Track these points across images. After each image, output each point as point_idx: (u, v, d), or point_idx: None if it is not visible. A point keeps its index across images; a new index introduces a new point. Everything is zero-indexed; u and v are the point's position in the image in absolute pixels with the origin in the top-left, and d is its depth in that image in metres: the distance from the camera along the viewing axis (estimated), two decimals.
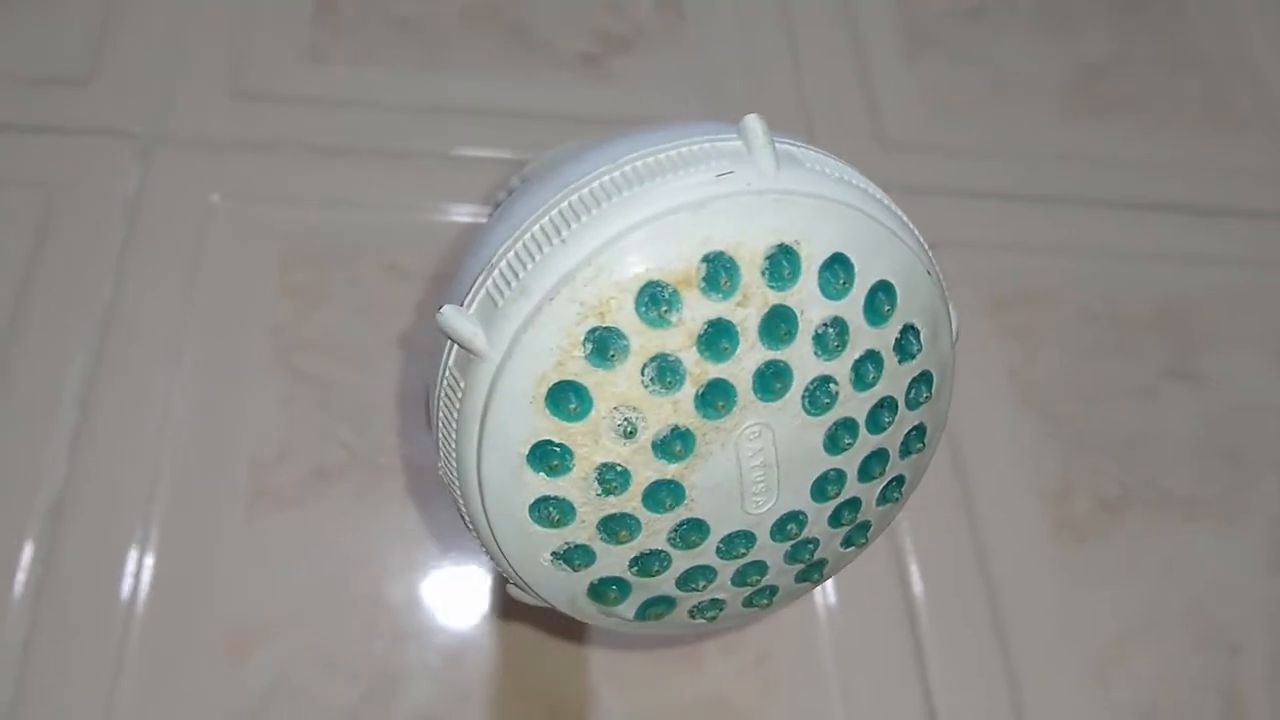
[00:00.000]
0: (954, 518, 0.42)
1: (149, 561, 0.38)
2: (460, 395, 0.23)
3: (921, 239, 0.25)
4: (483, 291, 0.23)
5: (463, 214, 0.47)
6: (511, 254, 0.22)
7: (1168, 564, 0.43)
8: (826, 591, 0.41)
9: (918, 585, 0.41)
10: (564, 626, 0.40)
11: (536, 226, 0.22)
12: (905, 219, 0.24)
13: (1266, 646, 0.41)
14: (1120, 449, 0.45)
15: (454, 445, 0.23)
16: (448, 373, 0.23)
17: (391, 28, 0.51)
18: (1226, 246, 0.51)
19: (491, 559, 0.25)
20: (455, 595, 0.40)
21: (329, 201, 0.46)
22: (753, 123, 0.23)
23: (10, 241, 0.43)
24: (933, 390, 0.25)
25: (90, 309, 0.42)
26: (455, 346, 0.23)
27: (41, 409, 0.40)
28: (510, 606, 0.40)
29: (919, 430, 0.25)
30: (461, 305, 0.23)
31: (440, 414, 0.24)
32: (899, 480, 0.26)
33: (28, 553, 0.38)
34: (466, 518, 0.24)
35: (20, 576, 0.37)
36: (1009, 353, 0.46)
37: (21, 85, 0.46)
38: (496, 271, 0.22)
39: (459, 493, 0.24)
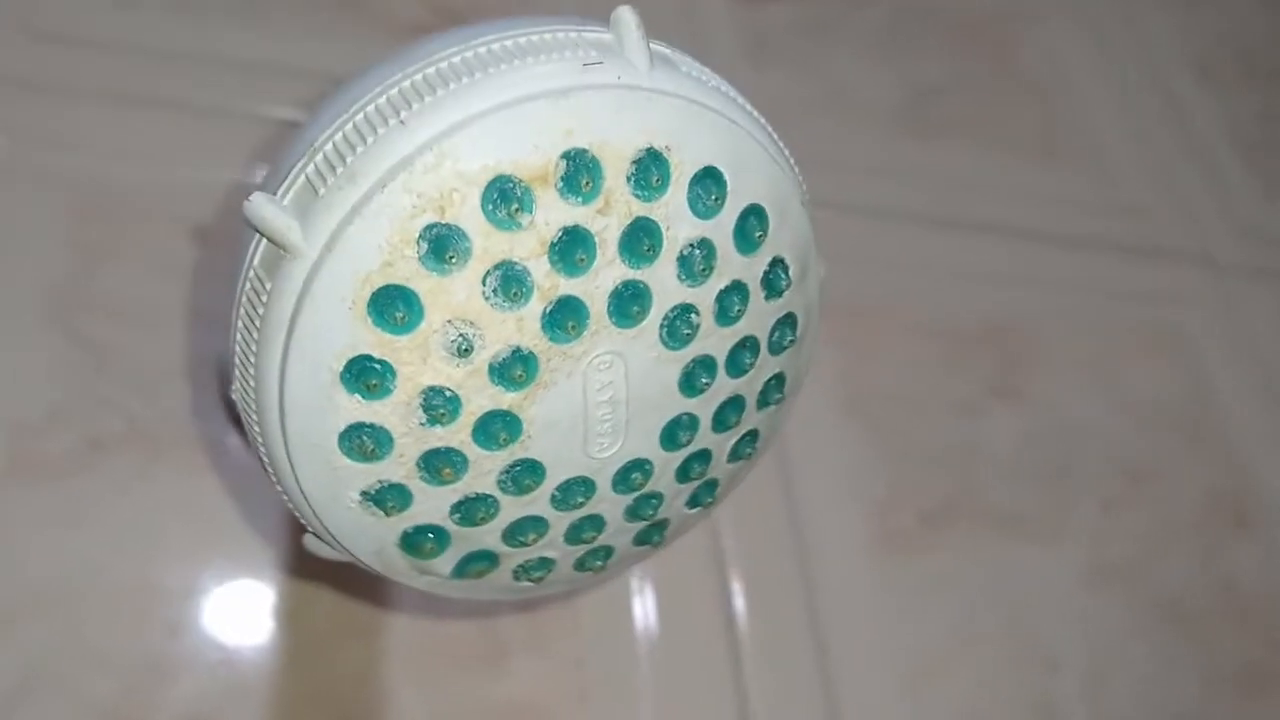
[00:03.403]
0: (777, 528, 0.41)
1: None
2: (265, 300, 0.19)
3: (797, 170, 0.22)
4: (301, 178, 0.19)
5: None
6: (339, 136, 0.19)
7: (988, 579, 0.42)
8: (645, 599, 0.38)
9: (739, 597, 0.39)
10: (360, 619, 0.36)
11: (371, 106, 0.19)
12: (781, 145, 0.22)
13: (1083, 663, 0.41)
14: (943, 463, 0.44)
15: (253, 360, 0.20)
16: (252, 273, 0.20)
17: None
18: (1049, 271, 0.51)
19: (289, 501, 0.21)
20: (239, 582, 0.36)
21: (127, 154, 0.42)
22: (625, 14, 0.20)
23: None
24: (797, 335, 0.23)
25: None
26: (263, 243, 0.20)
27: None
28: (306, 564, 0.36)
29: (779, 379, 0.23)
30: (275, 195, 0.20)
31: (239, 324, 0.20)
32: (753, 435, 0.23)
33: None
34: (262, 450, 0.21)
35: None
36: (835, 364, 0.45)
37: None
38: (320, 156, 0.19)
39: (254, 418, 0.20)
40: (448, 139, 0.19)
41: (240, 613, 0.35)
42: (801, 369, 0.24)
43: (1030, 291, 0.50)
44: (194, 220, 0.41)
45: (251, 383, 0.20)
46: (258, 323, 0.19)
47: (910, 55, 0.56)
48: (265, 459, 0.21)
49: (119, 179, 0.41)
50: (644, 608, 0.38)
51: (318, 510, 0.21)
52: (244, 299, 0.20)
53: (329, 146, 0.19)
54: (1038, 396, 0.46)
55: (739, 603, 0.39)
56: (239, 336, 0.20)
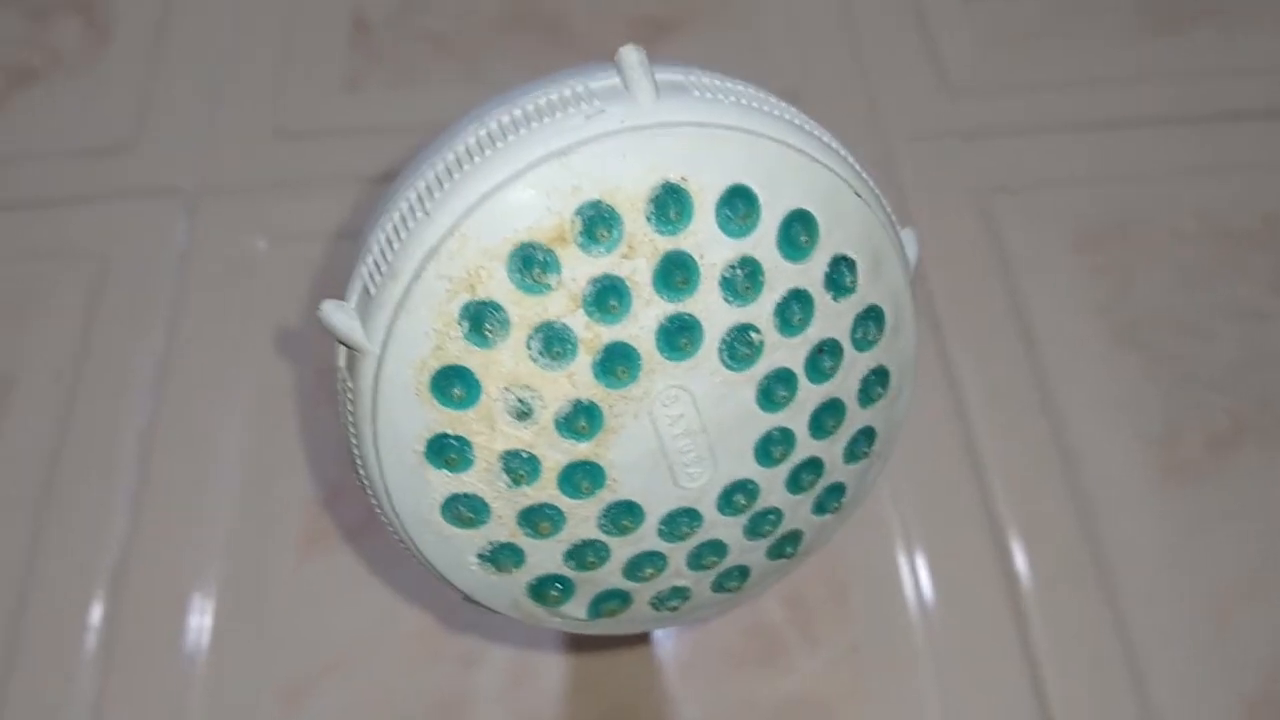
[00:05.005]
0: (1051, 477, 0.39)
1: (209, 614, 0.37)
2: (352, 397, 0.21)
3: (853, 160, 0.22)
4: (360, 282, 0.21)
5: None
6: (383, 237, 0.21)
7: None
8: (917, 572, 0.38)
9: (1018, 556, 0.38)
10: (637, 635, 0.37)
11: (405, 203, 0.21)
12: (829, 140, 0.21)
13: None
14: (1229, 378, 0.40)
15: (357, 453, 0.22)
16: (339, 374, 0.21)
17: (427, 45, 0.50)
18: None
19: (428, 571, 0.23)
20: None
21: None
22: (627, 54, 0.20)
23: (67, 309, 0.43)
24: (884, 327, 0.22)
25: (145, 367, 0.42)
26: (343, 347, 0.21)
27: (102, 470, 0.40)
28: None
29: (878, 374, 0.22)
30: (346, 299, 0.21)
31: (341, 421, 0.22)
32: (867, 432, 0.23)
33: (96, 613, 0.37)
34: (389, 529, 0.23)
35: (89, 638, 0.37)
36: (1098, 291, 0.42)
37: (69, 159, 0.47)
38: (370, 258, 0.21)
39: (374, 503, 0.22)
40: (466, 220, 0.19)
41: (526, 641, 0.37)
42: (904, 359, 0.23)
43: None
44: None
45: (362, 472, 0.22)
46: (351, 418, 0.21)
47: None
48: (395, 537, 0.23)
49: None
50: (916, 581, 0.37)
51: (448, 576, 0.22)
52: (339, 398, 0.22)
53: (376, 248, 0.21)
54: None
55: (1019, 561, 0.37)
56: (344, 432, 0.22)
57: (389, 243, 0.20)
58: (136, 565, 0.38)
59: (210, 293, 0.44)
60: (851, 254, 0.21)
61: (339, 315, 0.21)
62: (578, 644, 0.37)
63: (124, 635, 0.37)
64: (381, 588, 0.38)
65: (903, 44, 0.49)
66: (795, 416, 0.21)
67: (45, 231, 0.45)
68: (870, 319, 0.22)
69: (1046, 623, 0.36)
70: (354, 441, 0.21)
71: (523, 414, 0.20)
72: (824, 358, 0.21)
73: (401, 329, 0.20)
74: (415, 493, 0.21)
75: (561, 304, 0.19)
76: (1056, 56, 0.48)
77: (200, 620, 0.37)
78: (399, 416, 0.20)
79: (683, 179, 0.20)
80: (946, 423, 0.40)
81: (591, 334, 0.20)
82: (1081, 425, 0.39)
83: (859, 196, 0.21)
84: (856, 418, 0.22)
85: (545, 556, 0.22)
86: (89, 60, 0.50)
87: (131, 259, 0.44)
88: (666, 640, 0.37)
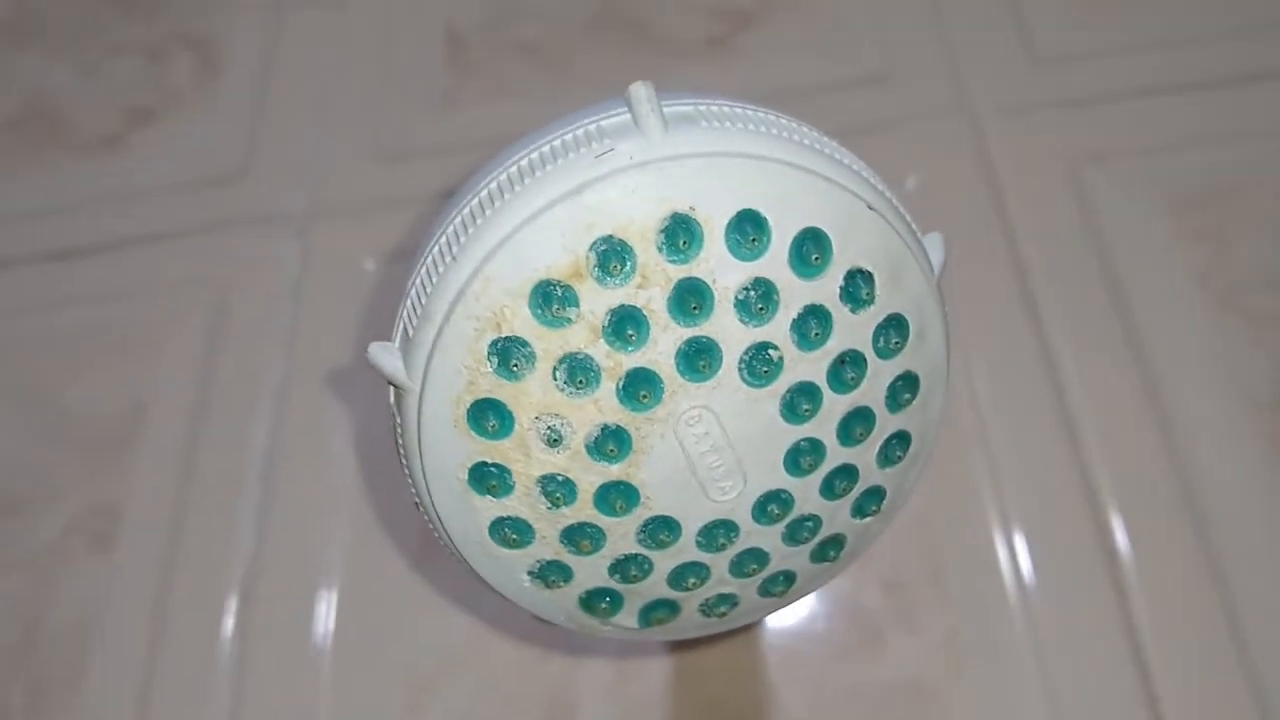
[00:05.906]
0: (1152, 451, 0.38)
1: (333, 621, 0.39)
2: (400, 431, 0.22)
3: (869, 174, 0.22)
4: (401, 324, 0.22)
5: None
6: (418, 281, 0.22)
7: None
8: (1015, 551, 0.37)
9: (1119, 533, 0.37)
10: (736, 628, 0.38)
11: (436, 248, 0.22)
12: (841, 156, 0.22)
13: None
14: None
15: (410, 481, 0.23)
16: (391, 410, 0.23)
17: (518, 55, 0.52)
18: None
19: (488, 589, 0.24)
20: None
21: None
22: (637, 90, 0.21)
23: (189, 336, 0.46)
24: (908, 334, 0.22)
25: (266, 389, 0.44)
26: (391, 385, 0.23)
27: (228, 488, 0.42)
28: None
29: (906, 379, 0.23)
30: (391, 339, 0.23)
31: (397, 455, 0.23)
32: (900, 437, 0.23)
33: (228, 624, 0.40)
34: (448, 552, 0.24)
35: (223, 647, 0.40)
36: (1197, 258, 0.41)
37: (183, 192, 0.50)
38: (409, 301, 0.22)
39: (432, 527, 0.24)
40: (489, 264, 0.21)
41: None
42: (933, 362, 0.23)
43: None
44: None
45: (416, 500, 0.23)
46: (402, 450, 0.23)
47: None
48: (453, 559, 0.24)
49: None
50: (1015, 561, 0.37)
51: (504, 593, 0.24)
52: (391, 432, 0.23)
53: (413, 292, 0.22)
54: None
55: (1120, 538, 0.37)
56: (399, 464, 0.23)
57: (423, 287, 0.22)
58: (264, 577, 0.40)
59: (323, 314, 0.46)
60: (867, 266, 0.21)
61: (384, 356, 0.22)
62: (679, 640, 0.38)
63: (255, 643, 0.39)
64: (489, 591, 0.40)
65: (987, 15, 0.49)
66: (822, 426, 0.22)
67: (167, 264, 0.48)
68: (891, 327, 0.22)
69: (1149, 600, 0.36)
70: (406, 472, 0.23)
71: (554, 441, 0.21)
72: (846, 369, 0.22)
73: (437, 367, 0.21)
74: (464, 517, 0.22)
75: (582, 336, 0.21)
76: (1145, 16, 0.47)
77: (325, 626, 0.39)
78: (441, 448, 0.22)
79: (691, 209, 0.20)
80: (1043, 398, 0.39)
81: (613, 362, 0.21)
82: (1183, 395, 0.39)
83: (872, 209, 0.21)
84: (887, 423, 0.23)
85: (591, 572, 0.23)
86: (202, 96, 0.53)
87: (248, 285, 0.47)
88: (768, 629, 0.38)
